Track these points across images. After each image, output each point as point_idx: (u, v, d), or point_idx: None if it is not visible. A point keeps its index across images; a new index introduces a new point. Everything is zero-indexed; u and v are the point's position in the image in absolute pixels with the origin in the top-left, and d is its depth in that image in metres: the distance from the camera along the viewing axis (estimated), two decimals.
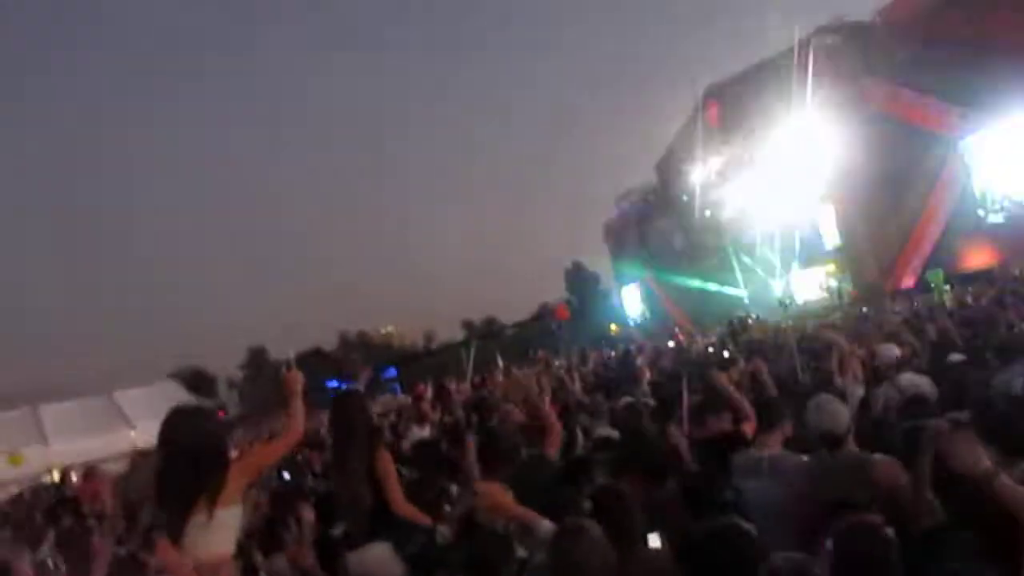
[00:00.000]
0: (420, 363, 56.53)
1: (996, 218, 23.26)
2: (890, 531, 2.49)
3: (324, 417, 6.82)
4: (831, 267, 30.69)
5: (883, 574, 2.33)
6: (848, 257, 28.92)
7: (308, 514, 4.12)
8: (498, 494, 3.22)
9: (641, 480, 3.67)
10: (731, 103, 31.53)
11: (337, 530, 3.71)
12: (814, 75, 26.98)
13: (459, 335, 67.10)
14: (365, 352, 70.02)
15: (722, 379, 4.96)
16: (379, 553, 2.95)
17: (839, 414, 3.43)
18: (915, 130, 24.78)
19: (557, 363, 14.48)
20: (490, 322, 70.51)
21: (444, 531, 3.34)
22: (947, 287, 18.85)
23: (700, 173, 34.49)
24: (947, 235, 24.74)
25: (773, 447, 3.77)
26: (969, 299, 13.02)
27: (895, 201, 25.65)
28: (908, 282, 25.20)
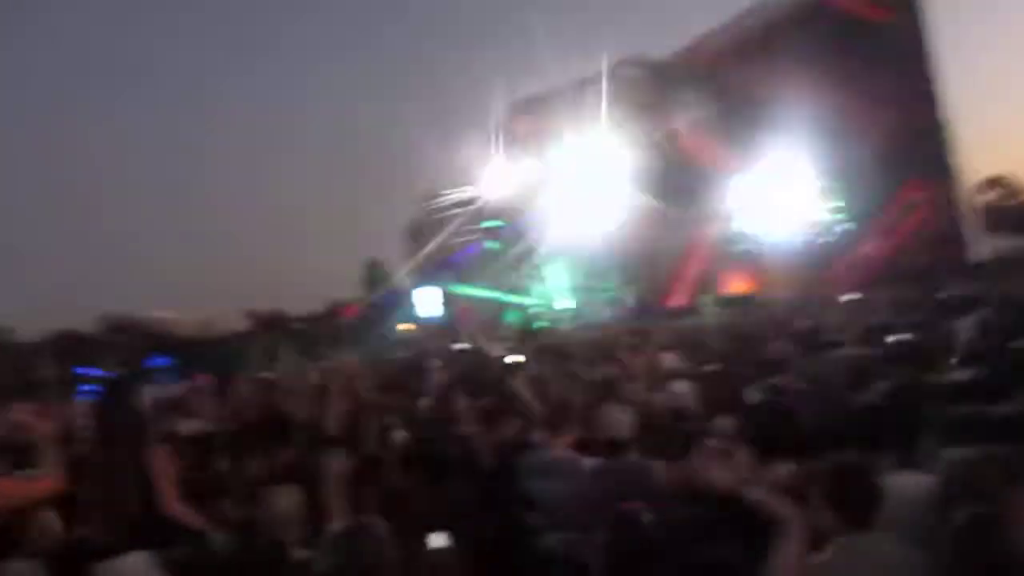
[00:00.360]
0: (197, 352, 52.58)
1: (750, 250, 26.43)
2: (650, 516, 2.65)
3: (76, 408, 6.04)
4: (615, 283, 32.95)
5: (646, 556, 2.47)
6: (630, 275, 31.15)
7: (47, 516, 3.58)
8: (287, 495, 3.04)
9: (430, 479, 3.63)
10: (535, 119, 32.77)
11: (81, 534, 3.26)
12: (613, 102, 28.90)
13: (241, 325, 63.32)
14: (133, 338, 63.90)
15: (514, 384, 5.06)
16: (133, 563, 2.61)
17: (621, 422, 3.60)
18: (695, 162, 27.40)
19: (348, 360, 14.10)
20: (277, 315, 67.24)
21: (219, 537, 3.06)
22: (717, 309, 20.91)
23: (502, 184, 35.41)
24: (714, 262, 27.58)
25: (562, 449, 3.88)
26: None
27: (673, 227, 28.08)
28: (680, 301, 27.65)
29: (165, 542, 2.74)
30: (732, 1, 27.25)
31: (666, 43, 33.33)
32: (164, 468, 3.05)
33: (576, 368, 6.72)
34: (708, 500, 2.91)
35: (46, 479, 2.56)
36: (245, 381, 7.94)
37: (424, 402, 6.29)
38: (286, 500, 3.08)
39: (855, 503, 2.46)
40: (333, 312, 61.22)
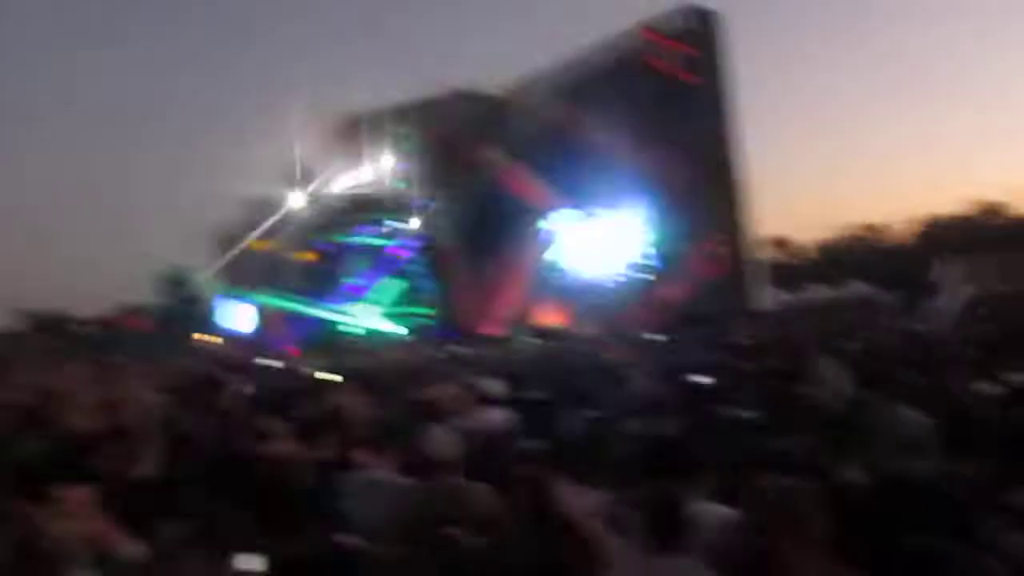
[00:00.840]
0: None
1: (565, 285, 27.73)
2: (471, 541, 2.70)
3: None
4: (428, 307, 33.15)
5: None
6: (444, 300, 31.43)
7: None
8: (79, 504, 2.75)
9: (236, 500, 3.42)
10: (355, 136, 32.41)
11: None
12: (440, 132, 29.32)
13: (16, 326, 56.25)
14: None
15: (333, 401, 4.93)
16: None
17: (448, 444, 3.61)
18: (516, 199, 28.35)
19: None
20: (59, 316, 60.49)
21: None
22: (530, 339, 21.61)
23: (317, 196, 34.66)
24: (529, 296, 28.55)
25: (385, 469, 3.82)
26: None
27: (490, 257, 28.77)
28: (496, 330, 28.26)
29: None
30: (564, 43, 28.67)
31: (498, 77, 34.46)
32: None
33: (393, 389, 6.65)
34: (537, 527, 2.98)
35: None
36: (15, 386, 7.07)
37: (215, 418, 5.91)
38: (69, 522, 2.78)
39: (668, 530, 2.66)
40: (122, 318, 56.31)
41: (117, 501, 3.54)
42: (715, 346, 11.08)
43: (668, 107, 22.64)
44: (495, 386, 6.08)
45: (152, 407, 6.60)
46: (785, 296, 34.70)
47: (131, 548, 2.71)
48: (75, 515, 2.83)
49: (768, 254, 56.64)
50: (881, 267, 44.21)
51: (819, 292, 35.13)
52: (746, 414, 4.68)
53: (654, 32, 23.84)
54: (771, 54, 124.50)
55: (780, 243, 62.71)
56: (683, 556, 2.64)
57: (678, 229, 22.77)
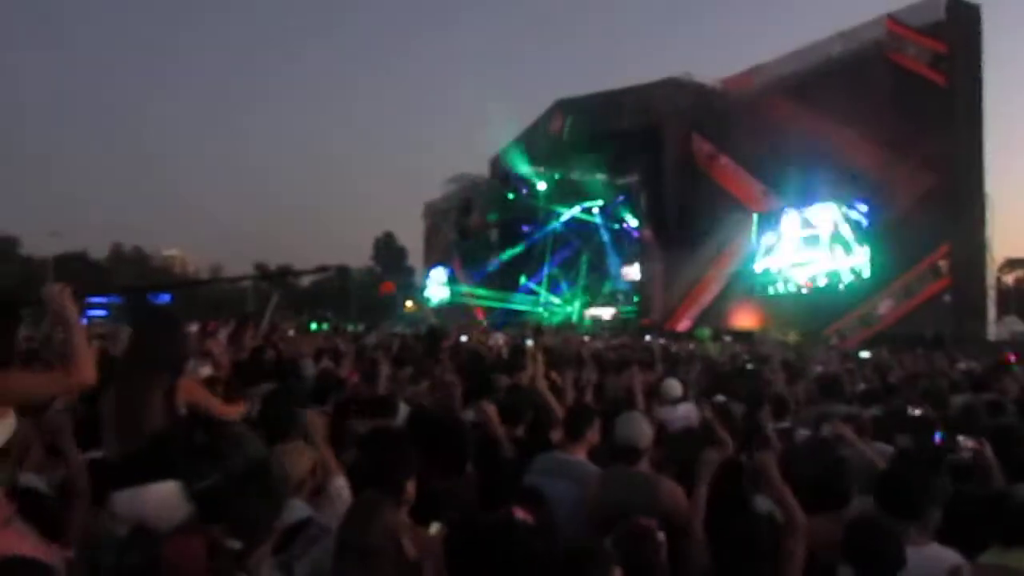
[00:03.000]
0: (199, 295, 52.82)
1: (763, 291, 26.45)
2: (661, 535, 2.64)
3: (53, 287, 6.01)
4: (624, 298, 33.09)
5: (652, 571, 2.46)
6: (643, 293, 31.14)
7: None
8: (319, 428, 3.08)
9: (440, 466, 3.61)
10: (577, 121, 32.71)
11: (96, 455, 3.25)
12: (652, 119, 28.92)
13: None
14: (140, 271, 64.18)
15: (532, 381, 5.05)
16: (162, 491, 2.59)
17: (644, 433, 3.57)
18: (723, 193, 27.38)
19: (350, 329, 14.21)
20: (285, 270, 67.31)
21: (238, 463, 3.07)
22: (712, 342, 20.84)
23: (529, 178, 35.53)
24: (724, 294, 27.57)
25: (578, 453, 3.85)
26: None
27: (691, 253, 28.08)
28: (684, 326, 27.64)
29: (189, 471, 2.73)
30: (787, 38, 26.91)
31: (708, 70, 33.29)
32: (199, 390, 3.07)
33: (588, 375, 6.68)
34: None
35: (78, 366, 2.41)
36: (255, 334, 7.93)
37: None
38: (294, 453, 3.08)
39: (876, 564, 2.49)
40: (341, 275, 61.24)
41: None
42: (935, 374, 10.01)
43: (909, 107, 20.55)
44: (676, 387, 5.95)
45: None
46: (1022, 326, 30.69)
47: (340, 481, 2.94)
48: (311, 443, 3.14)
49: (1005, 277, 50.45)
50: None
51: None
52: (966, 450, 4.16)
53: (901, 24, 21.72)
54: None
55: (1018, 265, 55.44)
56: None
57: (907, 241, 20.77)
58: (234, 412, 3.35)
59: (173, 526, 2.48)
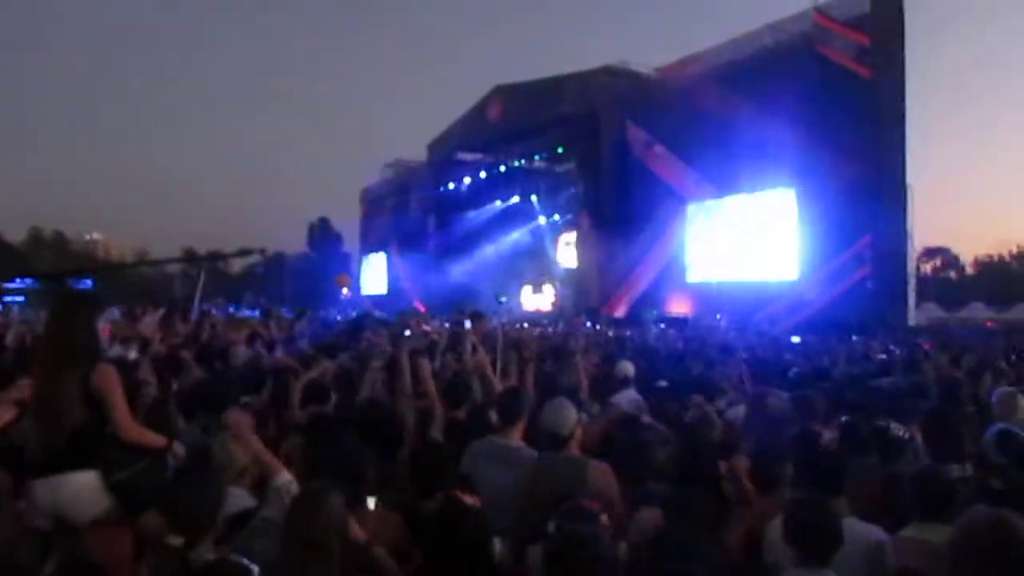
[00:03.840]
0: (123, 280, 50.89)
1: (694, 278, 27.07)
2: (604, 516, 2.65)
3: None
4: (558, 285, 33.39)
5: (597, 552, 2.46)
6: (578, 279, 31.45)
7: None
8: (244, 428, 2.94)
9: (377, 451, 3.56)
10: (514, 107, 32.67)
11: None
12: (589, 107, 29.14)
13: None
14: (60, 256, 61.42)
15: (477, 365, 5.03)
16: (80, 482, 2.46)
17: (569, 418, 3.59)
18: (658, 181, 27.79)
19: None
20: (215, 255, 65.33)
21: (178, 451, 2.91)
22: (656, 325, 21.21)
23: (466, 164, 35.43)
24: (659, 281, 28.07)
25: (513, 437, 3.84)
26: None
27: (626, 241, 28.47)
28: (620, 312, 28.04)
29: (109, 463, 2.59)
30: (720, 29, 27.36)
31: (653, 55, 33.67)
32: (114, 386, 2.86)
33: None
34: None
35: None
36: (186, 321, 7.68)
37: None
38: (233, 446, 2.98)
39: (816, 543, 2.53)
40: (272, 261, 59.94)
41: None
42: (858, 357, 10.41)
43: (835, 98, 21.20)
44: (628, 368, 6.01)
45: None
46: (940, 312, 32.29)
47: (285, 477, 2.86)
48: (241, 438, 3.02)
49: (924, 265, 52.91)
50: None
51: (979, 311, 32.50)
52: (900, 431, 4.32)
53: (827, 17, 22.36)
54: (950, 48, 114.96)
55: (937, 254, 58.17)
56: (826, 570, 2.51)
57: (829, 228, 21.51)
58: (140, 436, 3.02)
59: (92, 518, 2.36)
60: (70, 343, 2.93)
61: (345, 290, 46.25)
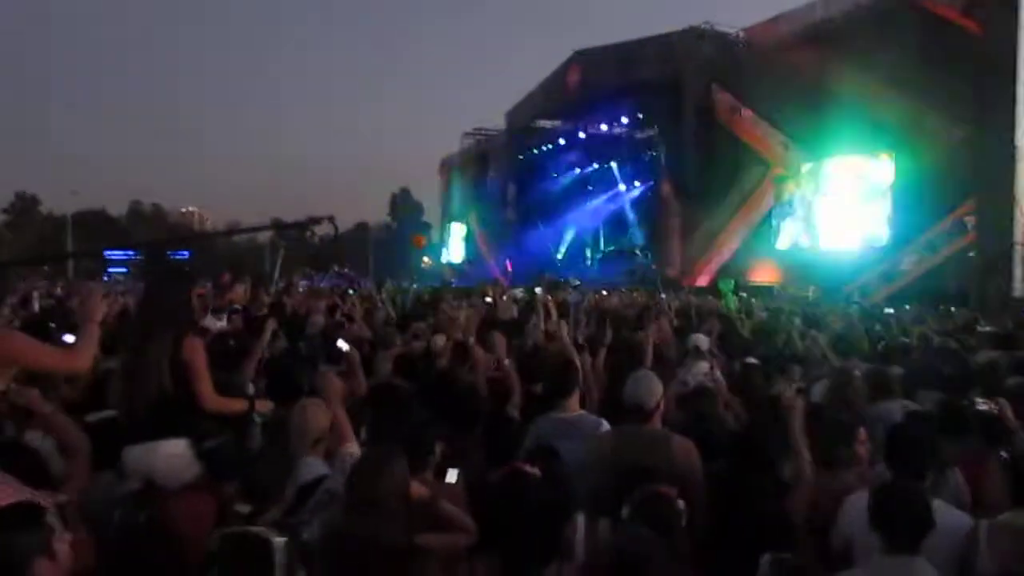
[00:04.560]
0: (216, 251, 53.16)
1: (783, 245, 26.11)
2: (681, 503, 2.61)
3: (91, 286, 6.03)
4: (639, 254, 32.86)
5: (671, 538, 2.42)
6: (661, 248, 30.89)
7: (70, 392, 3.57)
8: (334, 391, 3.04)
9: (452, 426, 3.61)
10: (593, 73, 32.07)
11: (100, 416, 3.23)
12: (672, 71, 28.33)
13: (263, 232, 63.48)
14: (158, 228, 64.63)
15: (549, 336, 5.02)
16: (171, 449, 2.58)
17: (655, 390, 3.53)
18: (744, 146, 26.86)
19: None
20: (277, 223, 67.21)
21: (263, 414, 3.03)
22: (735, 295, 20.59)
23: (546, 132, 35.09)
24: (743, 250, 27.26)
25: (572, 409, 3.84)
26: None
27: (710, 209, 27.74)
28: (702, 281, 27.44)
29: (199, 432, 2.71)
30: None
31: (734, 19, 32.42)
32: (199, 359, 2.99)
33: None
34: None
35: (80, 354, 2.51)
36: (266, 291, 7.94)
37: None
38: (314, 409, 3.06)
39: (906, 528, 2.42)
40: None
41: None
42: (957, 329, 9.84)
43: (938, 56, 19.81)
44: (701, 340, 5.87)
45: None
46: None
47: (353, 447, 2.92)
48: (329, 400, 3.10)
49: None
50: None
51: None
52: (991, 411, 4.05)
53: None
54: None
55: None
56: (916, 557, 2.39)
57: (929, 194, 20.32)
58: (220, 404, 3.17)
59: (182, 484, 2.48)
60: (161, 313, 3.07)
61: (426, 260, 47.01)
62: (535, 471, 2.98)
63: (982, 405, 3.77)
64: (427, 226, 58.48)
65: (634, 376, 3.66)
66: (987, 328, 9.71)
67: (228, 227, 65.75)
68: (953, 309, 14.45)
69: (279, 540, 1.98)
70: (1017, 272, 20.91)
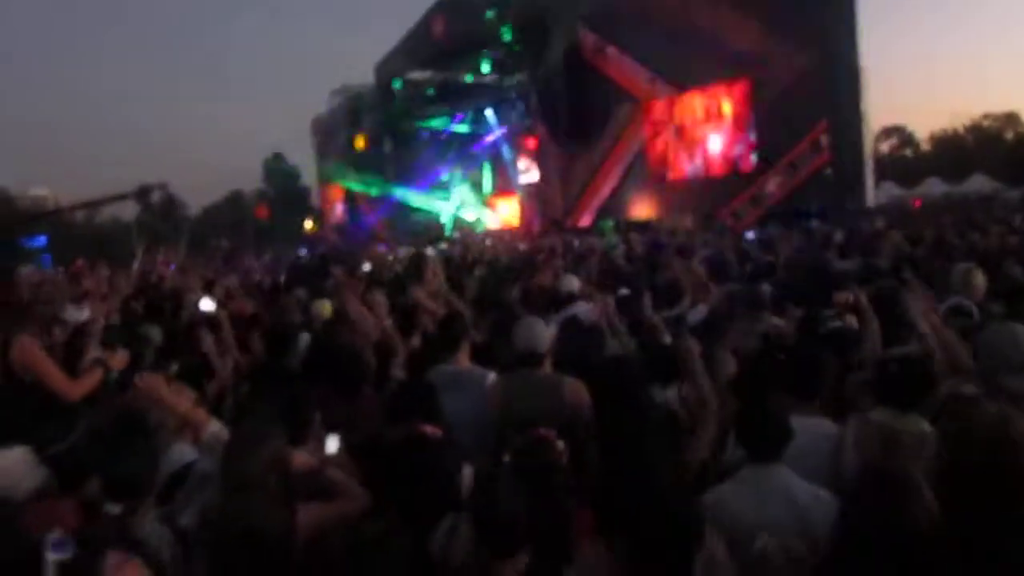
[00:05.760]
0: (77, 234, 49.68)
1: (656, 179, 26.94)
2: (561, 444, 2.65)
3: None
4: (518, 199, 33.11)
5: (553, 480, 2.46)
6: (539, 193, 31.17)
7: None
8: (159, 387, 2.86)
9: (338, 390, 3.53)
10: (458, 20, 31.51)
11: None
12: (536, 15, 28.19)
13: (129, 210, 59.61)
14: (7, 212, 59.35)
15: (419, 294, 4.97)
16: (11, 458, 2.39)
17: (542, 336, 3.57)
18: (612, 84, 27.26)
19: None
20: (169, 201, 63.57)
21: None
22: (614, 234, 21.18)
23: (416, 84, 34.40)
24: (621, 187, 27.93)
25: (462, 361, 3.83)
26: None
27: (585, 148, 28.15)
28: (585, 222, 28.00)
29: (42, 437, 2.52)
30: None
31: None
32: (38, 354, 2.76)
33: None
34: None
35: None
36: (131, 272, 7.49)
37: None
38: (176, 395, 2.91)
39: (765, 438, 2.56)
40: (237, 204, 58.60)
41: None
42: (818, 245, 10.50)
43: None
44: (572, 282, 5.99)
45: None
46: (898, 191, 32.63)
47: (214, 427, 2.80)
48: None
49: (880, 145, 53.14)
50: (1006, 161, 40.83)
51: (935, 187, 32.89)
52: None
53: None
54: None
55: (893, 133, 58.40)
56: (776, 464, 2.55)
57: (785, 118, 21.40)
58: (77, 389, 2.99)
59: (27, 493, 2.31)
60: None
61: (309, 224, 45.57)
62: (435, 430, 2.96)
63: (841, 297, 4.00)
64: (305, 191, 56.61)
65: (523, 322, 3.69)
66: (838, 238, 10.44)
67: (86, 206, 61.17)
68: (814, 224, 15.41)
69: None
70: (869, 184, 22.51)
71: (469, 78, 31.57)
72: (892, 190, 32.11)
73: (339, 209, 42.95)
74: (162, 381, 2.93)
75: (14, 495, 2.32)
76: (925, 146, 57.97)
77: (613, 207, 27.60)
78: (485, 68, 30.73)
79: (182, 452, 2.73)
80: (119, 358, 3.18)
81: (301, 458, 2.57)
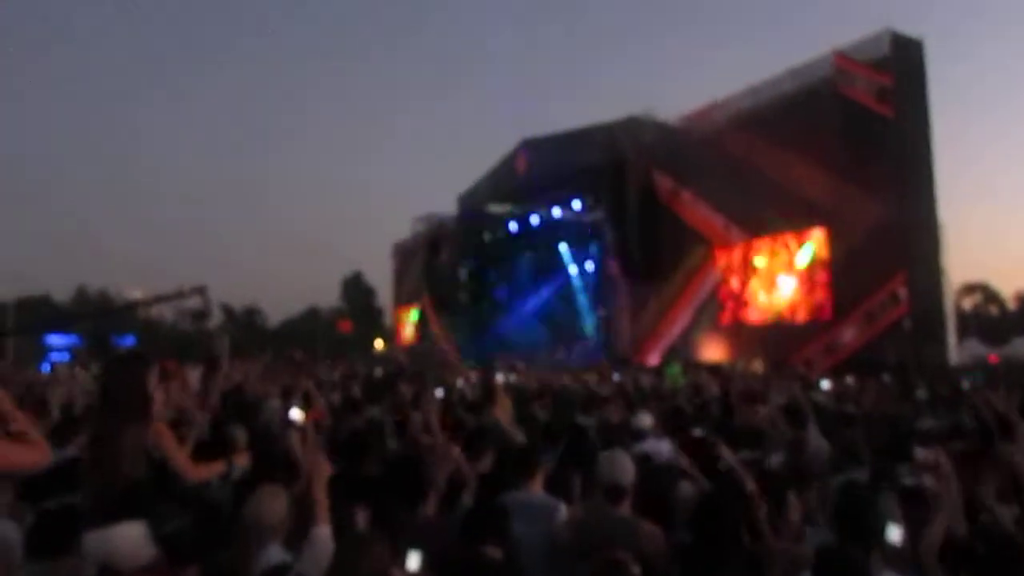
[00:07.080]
0: (163, 336, 52.00)
1: (727, 322, 26.85)
2: (637, 569, 2.67)
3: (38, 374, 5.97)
4: (590, 333, 33.34)
5: None
6: (610, 328, 31.36)
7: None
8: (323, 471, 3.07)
9: (405, 499, 3.65)
10: (541, 159, 33.21)
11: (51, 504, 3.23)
12: (615, 157, 29.49)
13: (215, 317, 62.37)
14: (105, 312, 62.81)
15: (500, 414, 5.11)
16: (127, 532, 2.59)
17: (628, 470, 3.59)
18: (686, 227, 27.89)
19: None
20: (252, 311, 66.53)
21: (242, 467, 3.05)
22: (683, 376, 20.91)
23: (499, 216, 35.88)
24: (691, 327, 27.91)
25: (534, 489, 3.87)
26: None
27: (656, 288, 28.48)
28: (653, 360, 27.86)
29: (158, 515, 2.72)
30: (743, 76, 27.55)
31: (672, 107, 34.08)
32: (169, 438, 3.07)
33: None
34: None
35: (32, 448, 2.52)
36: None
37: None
38: (271, 498, 3.07)
39: None
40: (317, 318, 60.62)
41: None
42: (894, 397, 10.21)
43: (859, 138, 21.32)
44: (645, 419, 6.01)
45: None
46: (982, 349, 31.45)
47: (326, 531, 2.91)
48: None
49: (963, 302, 51.72)
50: None
51: (1021, 347, 31.56)
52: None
53: (848, 59, 22.58)
54: (976, 81, 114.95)
55: (976, 290, 56.89)
56: None
57: (865, 269, 21.31)
58: (202, 472, 3.34)
59: (137, 566, 2.48)
60: (126, 401, 3.13)
61: (379, 343, 46.64)
62: (496, 552, 3.04)
63: (922, 455, 3.93)
64: (380, 311, 58.37)
65: (608, 455, 3.70)
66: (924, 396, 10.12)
67: (176, 314, 64.57)
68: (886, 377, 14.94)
69: None
70: (951, 340, 21.87)
71: (548, 214, 32.81)
72: (977, 347, 31.01)
73: (410, 331, 43.99)
74: (327, 465, 3.11)
75: (124, 567, 2.49)
76: (1010, 304, 56.09)
77: (681, 347, 27.51)
78: (563, 205, 31.95)
79: (273, 552, 2.86)
80: (243, 455, 3.42)
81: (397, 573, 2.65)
